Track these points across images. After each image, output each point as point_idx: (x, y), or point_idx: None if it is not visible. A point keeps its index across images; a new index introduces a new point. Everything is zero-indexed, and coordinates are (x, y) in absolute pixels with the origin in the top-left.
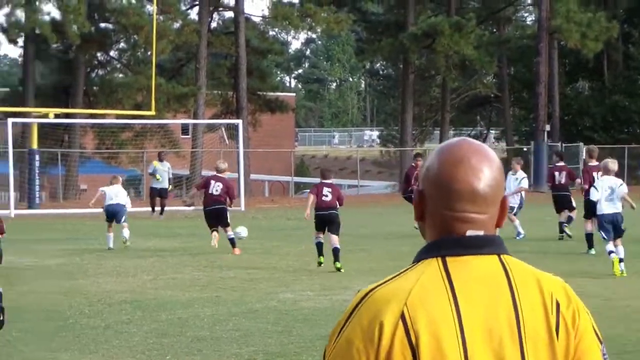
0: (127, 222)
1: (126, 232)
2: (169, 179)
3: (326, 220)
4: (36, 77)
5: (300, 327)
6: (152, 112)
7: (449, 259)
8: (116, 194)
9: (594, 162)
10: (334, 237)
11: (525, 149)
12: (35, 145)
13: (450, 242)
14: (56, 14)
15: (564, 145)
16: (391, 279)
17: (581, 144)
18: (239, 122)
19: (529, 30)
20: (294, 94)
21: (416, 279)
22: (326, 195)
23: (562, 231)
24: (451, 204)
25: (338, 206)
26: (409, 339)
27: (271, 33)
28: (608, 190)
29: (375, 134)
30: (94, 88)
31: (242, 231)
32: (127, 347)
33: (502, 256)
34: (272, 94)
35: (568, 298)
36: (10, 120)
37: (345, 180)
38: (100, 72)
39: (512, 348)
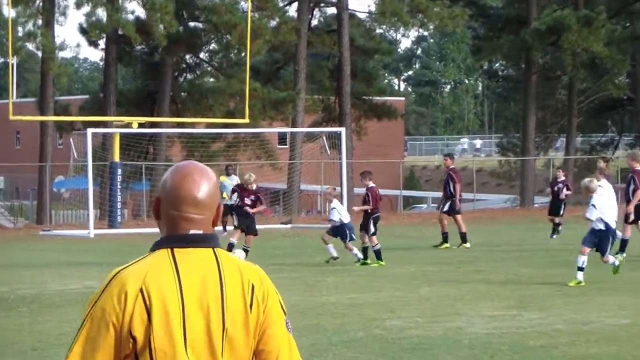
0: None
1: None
2: None
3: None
4: (118, 82)
5: (409, 358)
6: (246, 120)
7: (176, 250)
8: None
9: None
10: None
11: None
12: (117, 158)
13: (178, 237)
14: (141, 12)
15: None
16: (133, 263)
17: None
18: (342, 130)
19: None
20: (403, 99)
21: (152, 263)
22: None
23: None
24: (178, 207)
25: None
26: (145, 305)
27: (378, 31)
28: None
29: (479, 142)
30: (182, 94)
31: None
32: None
33: (215, 249)
34: (378, 98)
35: (261, 282)
36: (89, 131)
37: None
38: (189, 76)
39: (216, 314)
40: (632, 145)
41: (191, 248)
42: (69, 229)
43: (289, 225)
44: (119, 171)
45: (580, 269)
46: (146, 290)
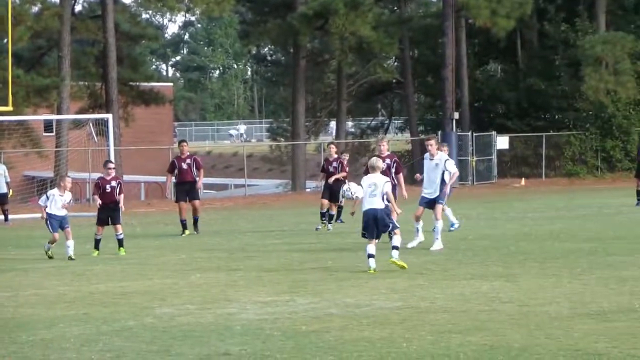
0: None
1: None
2: (7, 183)
3: None
4: None
5: (180, 346)
6: (10, 108)
7: None
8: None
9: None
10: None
11: None
12: None
13: None
14: None
15: (475, 134)
16: None
17: (494, 132)
18: (109, 116)
19: (433, 7)
20: (172, 84)
21: None
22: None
23: None
24: None
25: None
26: None
27: (144, 16)
28: (372, 187)
29: (242, 127)
30: None
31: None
32: None
33: None
34: (146, 84)
35: None
36: None
37: (232, 179)
38: None
39: None
40: (402, 128)
41: None
42: None
43: None
44: None
45: (370, 255)
46: None
